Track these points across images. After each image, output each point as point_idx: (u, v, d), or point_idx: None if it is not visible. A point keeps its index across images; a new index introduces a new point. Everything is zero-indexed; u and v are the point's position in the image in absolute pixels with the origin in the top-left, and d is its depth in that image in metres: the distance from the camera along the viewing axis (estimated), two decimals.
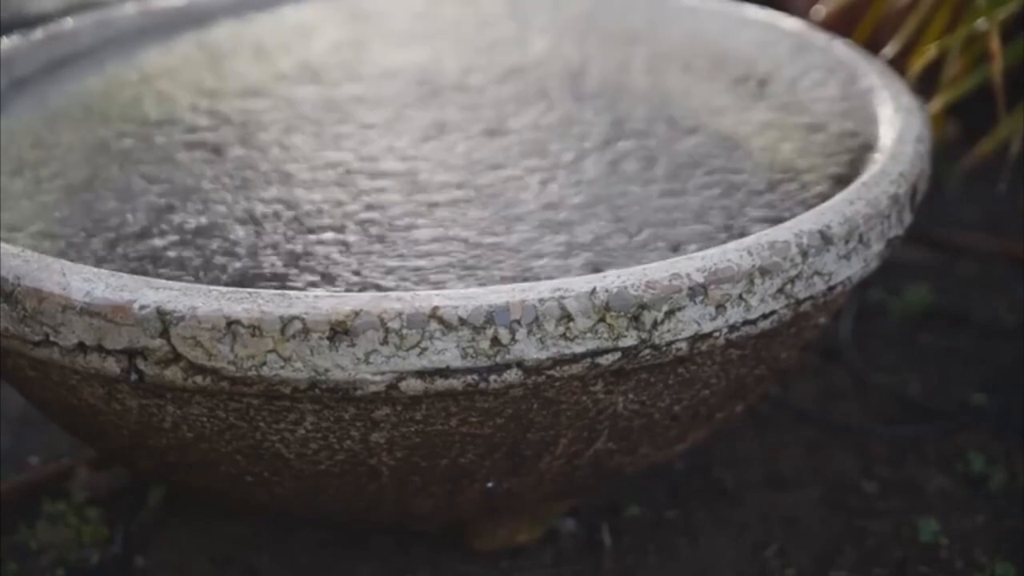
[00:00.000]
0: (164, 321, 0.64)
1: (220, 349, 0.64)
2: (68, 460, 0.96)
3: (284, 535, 0.90)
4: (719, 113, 0.95)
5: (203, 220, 0.81)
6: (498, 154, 0.89)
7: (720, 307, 0.68)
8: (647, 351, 0.67)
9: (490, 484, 0.75)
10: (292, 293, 0.65)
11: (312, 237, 0.79)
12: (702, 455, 0.97)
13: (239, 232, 0.80)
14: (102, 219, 0.82)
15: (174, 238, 0.79)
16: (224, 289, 0.65)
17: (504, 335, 0.64)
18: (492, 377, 0.65)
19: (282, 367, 0.64)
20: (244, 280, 0.75)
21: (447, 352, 0.64)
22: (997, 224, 1.29)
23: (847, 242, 0.72)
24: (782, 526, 0.91)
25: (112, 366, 0.66)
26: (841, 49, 1.00)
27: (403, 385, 0.65)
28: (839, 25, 1.18)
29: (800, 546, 0.89)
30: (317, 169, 0.88)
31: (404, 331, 0.63)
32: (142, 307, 0.65)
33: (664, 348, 0.67)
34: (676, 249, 0.77)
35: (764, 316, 0.70)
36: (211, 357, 0.64)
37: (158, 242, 0.79)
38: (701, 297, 0.67)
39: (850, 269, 0.73)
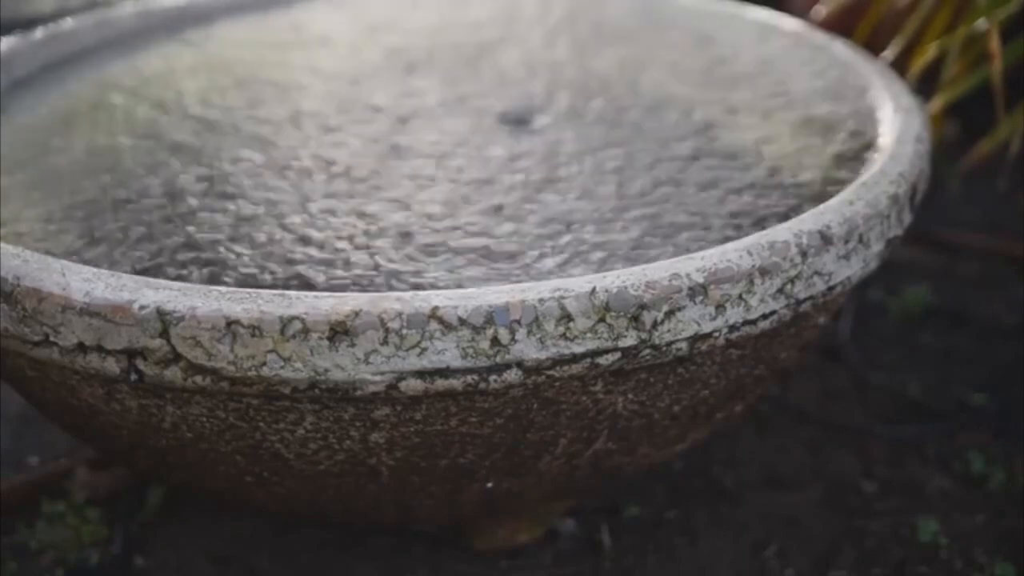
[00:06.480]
0: (164, 321, 0.64)
1: (220, 349, 0.64)
2: (68, 460, 0.96)
3: (284, 535, 0.90)
4: (715, 110, 0.95)
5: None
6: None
7: (720, 307, 0.68)
8: (647, 351, 0.67)
9: (490, 484, 0.75)
10: (292, 293, 0.65)
11: None
12: (702, 455, 0.97)
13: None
14: (102, 222, 0.82)
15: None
16: (224, 289, 0.65)
17: (504, 335, 0.64)
18: (492, 377, 0.65)
19: (282, 367, 0.64)
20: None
21: (447, 352, 0.64)
22: (997, 224, 1.29)
23: (847, 242, 0.72)
24: (782, 526, 0.91)
25: (112, 366, 0.66)
26: (841, 49, 1.00)
27: (403, 385, 0.65)
28: (839, 25, 1.18)
29: (800, 546, 0.90)
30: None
31: (404, 331, 0.63)
32: (142, 307, 0.65)
33: (664, 348, 0.67)
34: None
35: (764, 316, 0.70)
36: (211, 357, 0.64)
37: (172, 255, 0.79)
38: (701, 297, 0.67)
39: (850, 269, 0.73)
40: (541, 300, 0.64)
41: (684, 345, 0.68)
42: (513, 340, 0.64)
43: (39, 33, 1.04)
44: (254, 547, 0.89)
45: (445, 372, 0.65)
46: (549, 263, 0.75)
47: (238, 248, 0.77)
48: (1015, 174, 1.17)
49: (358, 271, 0.74)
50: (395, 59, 1.06)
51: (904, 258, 1.22)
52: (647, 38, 1.09)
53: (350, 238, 0.78)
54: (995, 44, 1.02)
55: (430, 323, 0.64)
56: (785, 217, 0.78)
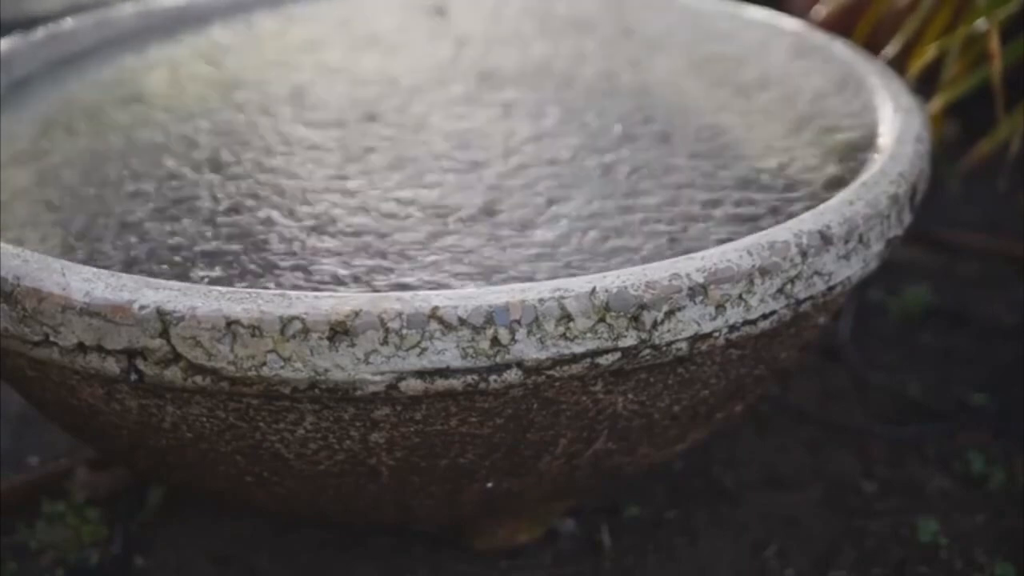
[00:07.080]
0: (164, 321, 0.64)
1: (220, 349, 0.64)
2: (68, 460, 0.96)
3: (284, 535, 0.90)
4: (717, 112, 0.95)
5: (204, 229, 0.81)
6: None
7: (720, 307, 0.68)
8: (647, 351, 0.67)
9: (490, 484, 0.75)
10: (292, 293, 0.65)
11: None
12: (702, 455, 0.97)
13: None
14: (98, 221, 0.82)
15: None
16: (224, 289, 0.65)
17: (504, 335, 0.64)
18: (492, 377, 0.65)
19: (282, 367, 0.64)
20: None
21: (447, 352, 0.64)
22: (997, 224, 1.29)
23: (847, 242, 0.72)
24: (782, 526, 0.91)
25: (112, 366, 0.66)
26: (840, 49, 1.00)
27: (403, 385, 0.65)
28: (839, 25, 1.18)
29: (800, 546, 0.89)
30: None
31: (404, 331, 0.63)
32: (142, 307, 0.65)
33: (664, 348, 0.67)
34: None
35: (764, 316, 0.70)
36: (211, 357, 0.64)
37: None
38: (701, 297, 0.67)
39: (850, 269, 0.73)
40: (541, 300, 0.64)
41: (684, 345, 0.68)
42: (513, 340, 0.64)
43: (39, 33, 1.04)
44: (254, 547, 0.89)
45: (445, 372, 0.65)
46: None
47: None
48: (1015, 174, 1.17)
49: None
50: None
51: (904, 258, 1.22)
52: (644, 33, 1.10)
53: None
54: (995, 44, 1.02)
55: (430, 323, 0.64)
56: (785, 217, 0.78)
